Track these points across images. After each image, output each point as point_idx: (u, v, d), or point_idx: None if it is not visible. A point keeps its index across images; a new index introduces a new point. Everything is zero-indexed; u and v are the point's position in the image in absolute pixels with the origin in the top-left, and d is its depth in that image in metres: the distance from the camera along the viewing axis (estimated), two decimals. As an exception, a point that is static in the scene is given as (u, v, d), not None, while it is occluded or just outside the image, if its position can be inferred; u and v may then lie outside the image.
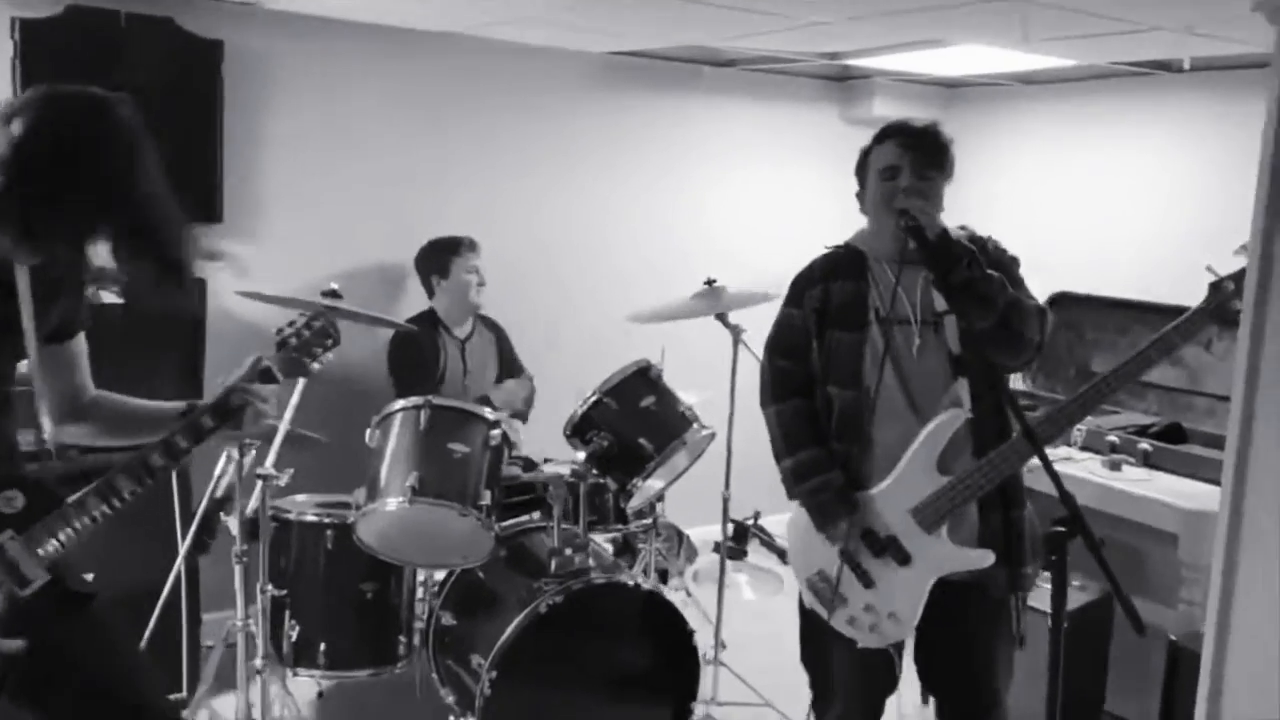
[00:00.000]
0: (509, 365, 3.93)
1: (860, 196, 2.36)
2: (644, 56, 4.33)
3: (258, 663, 2.54)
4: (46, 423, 1.78)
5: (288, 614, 2.99)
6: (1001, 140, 4.75)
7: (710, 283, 3.36)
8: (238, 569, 2.93)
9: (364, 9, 3.51)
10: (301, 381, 2.56)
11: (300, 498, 3.20)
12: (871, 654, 2.27)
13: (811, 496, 2.26)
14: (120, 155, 1.67)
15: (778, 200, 4.85)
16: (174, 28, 3.30)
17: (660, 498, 3.55)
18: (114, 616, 1.84)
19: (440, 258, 3.70)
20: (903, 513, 2.21)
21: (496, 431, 2.83)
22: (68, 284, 1.80)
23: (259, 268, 3.54)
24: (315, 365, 1.95)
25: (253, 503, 2.45)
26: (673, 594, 4.09)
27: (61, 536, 1.65)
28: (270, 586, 2.60)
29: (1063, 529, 1.71)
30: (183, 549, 2.90)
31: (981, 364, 2.20)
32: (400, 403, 2.85)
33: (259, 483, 2.45)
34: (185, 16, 3.33)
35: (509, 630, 2.68)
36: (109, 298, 3.05)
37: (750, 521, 5.01)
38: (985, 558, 2.18)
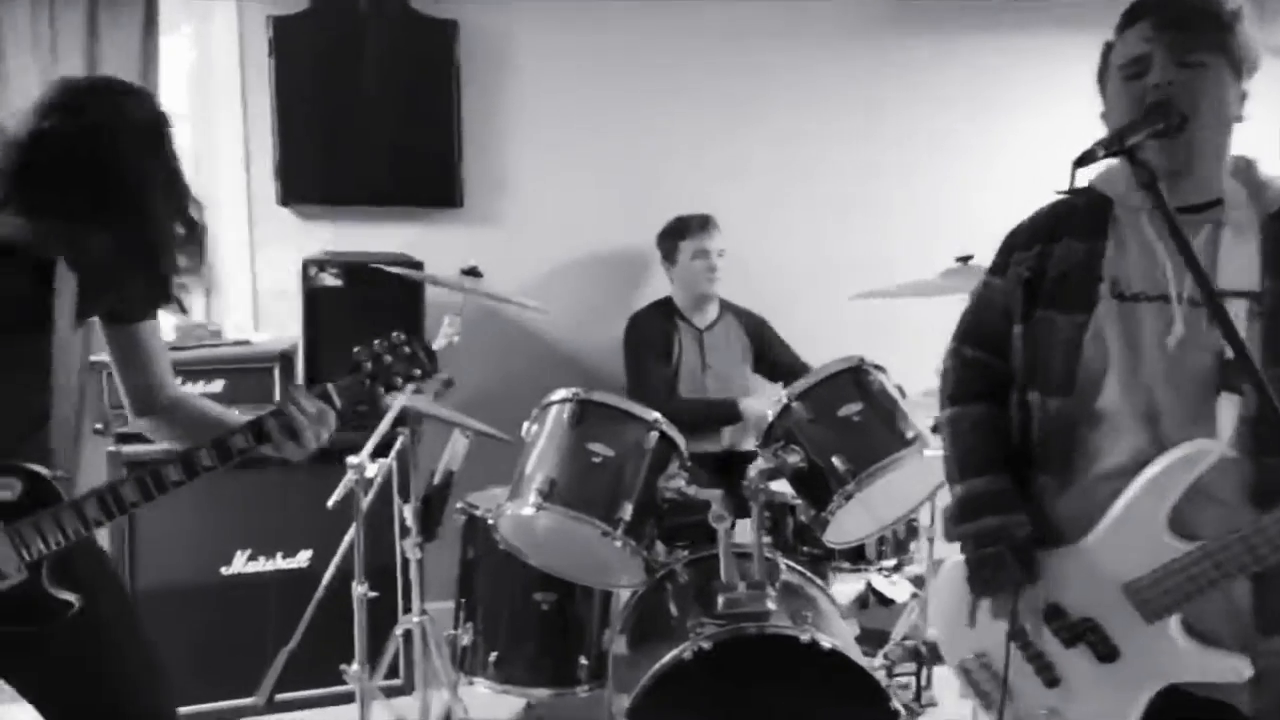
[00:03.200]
0: (771, 364, 3.43)
1: (1105, 117, 1.57)
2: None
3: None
4: (129, 413, 1.75)
5: (462, 615, 2.82)
6: None
7: (965, 259, 2.60)
8: (413, 566, 2.81)
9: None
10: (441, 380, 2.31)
11: (498, 490, 3.02)
12: None
13: (976, 545, 1.57)
14: (128, 146, 1.56)
15: (1063, 156, 3.77)
16: (409, 10, 3.29)
17: (913, 530, 2.87)
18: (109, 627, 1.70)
19: (669, 242, 3.35)
20: (1111, 586, 1.46)
21: (653, 434, 2.39)
22: (123, 268, 1.68)
23: (500, 253, 3.41)
24: (396, 396, 1.67)
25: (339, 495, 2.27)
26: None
27: (50, 538, 1.54)
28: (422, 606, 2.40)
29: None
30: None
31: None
32: (559, 393, 2.52)
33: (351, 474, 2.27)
34: (419, -1, 3.31)
35: (647, 676, 2.24)
36: (329, 280, 3.09)
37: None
38: (1238, 667, 1.39)
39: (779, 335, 3.48)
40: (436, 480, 2.89)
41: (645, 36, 3.57)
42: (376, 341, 1.70)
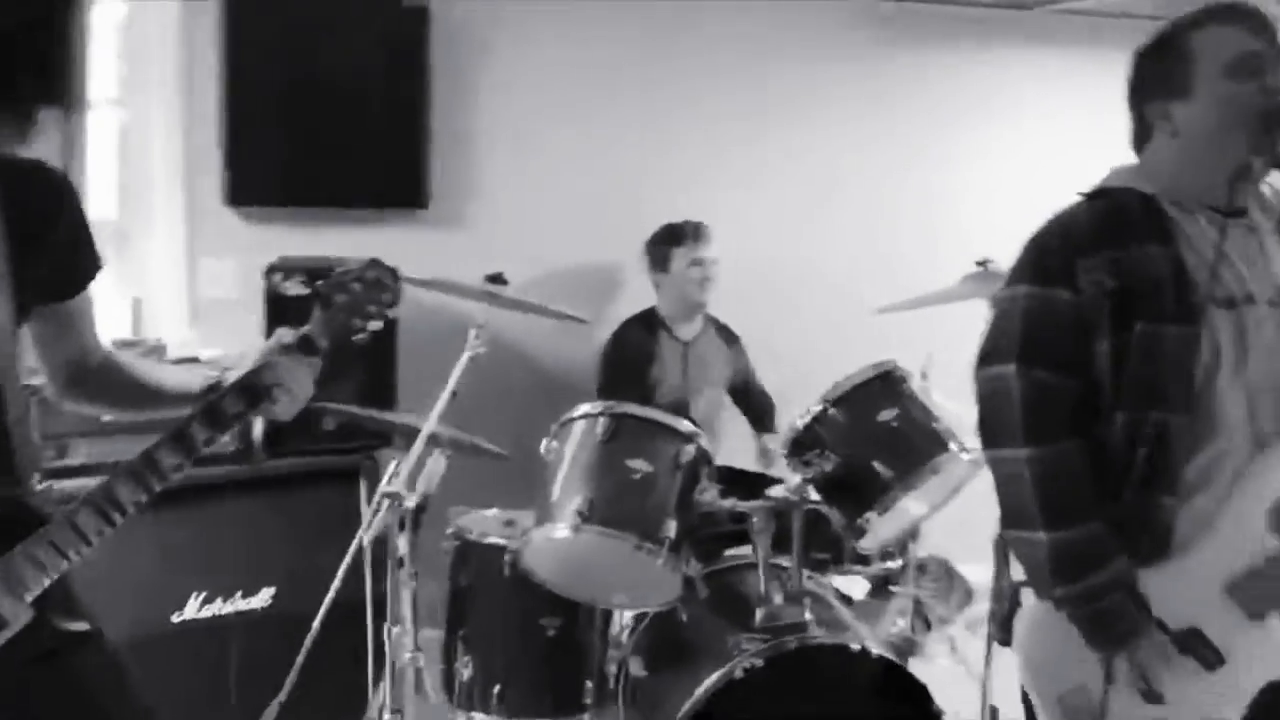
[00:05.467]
0: (741, 390, 3.39)
1: (1162, 112, 1.56)
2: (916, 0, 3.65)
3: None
4: (49, 390, 1.51)
5: (460, 648, 2.63)
6: None
7: (984, 263, 2.64)
8: (406, 593, 2.61)
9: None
10: (452, 382, 2.17)
11: (491, 513, 2.85)
12: None
13: (1088, 601, 1.49)
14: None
15: (1068, 166, 3.95)
16: (381, -6, 3.07)
17: (914, 533, 2.88)
18: (116, 663, 1.47)
19: (660, 249, 3.26)
20: (1215, 592, 1.47)
21: (690, 447, 2.30)
22: (53, 231, 1.44)
23: (467, 256, 3.22)
24: (370, 326, 1.54)
25: (371, 530, 2.08)
26: (935, 647, 3.38)
27: (49, 565, 1.30)
28: (411, 628, 2.22)
29: None
30: (342, 566, 2.58)
31: None
32: (583, 408, 2.40)
33: (385, 502, 2.08)
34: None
35: (694, 697, 2.15)
36: (294, 289, 2.85)
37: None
38: None
39: (748, 358, 3.46)
40: (413, 504, 2.70)
41: (631, 34, 3.48)
42: (338, 270, 1.57)
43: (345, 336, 1.55)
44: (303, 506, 2.88)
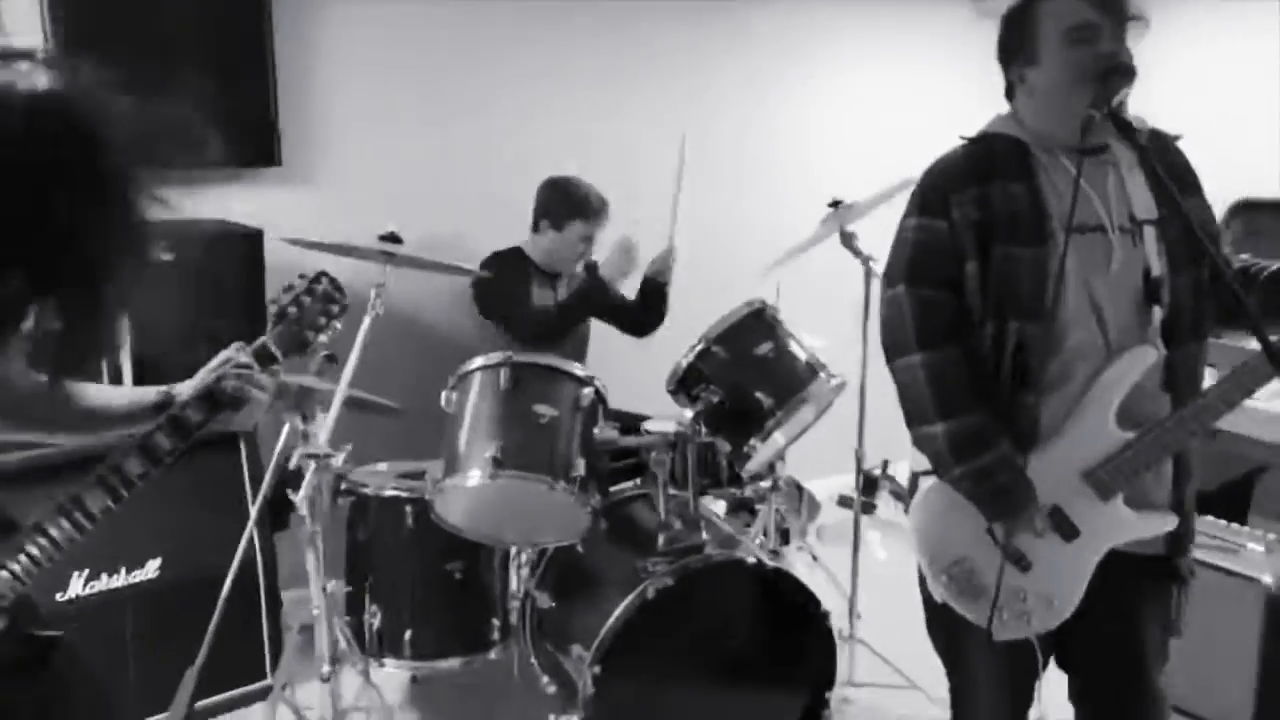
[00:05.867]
0: (611, 311, 3.51)
1: (1018, 74, 1.81)
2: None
3: (325, 668, 2.24)
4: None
5: (368, 599, 2.70)
6: (1170, 20, 4.07)
7: (836, 204, 2.87)
8: (309, 552, 2.65)
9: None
10: (359, 344, 2.21)
11: (381, 467, 2.90)
12: (1015, 642, 1.82)
13: (982, 480, 1.76)
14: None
15: (907, 105, 4.30)
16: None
17: (780, 455, 3.14)
18: (77, 663, 1.50)
19: (562, 209, 3.20)
20: (1073, 477, 1.76)
21: (589, 390, 2.44)
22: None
23: (320, 214, 3.18)
24: (321, 338, 1.64)
25: (305, 488, 2.13)
26: (796, 555, 3.71)
27: (19, 570, 1.32)
28: (331, 582, 2.29)
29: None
30: (248, 527, 2.62)
31: (1189, 289, 1.74)
32: (478, 360, 2.48)
33: (311, 464, 2.12)
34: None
35: (611, 619, 2.32)
36: (160, 254, 2.75)
37: (878, 472, 4.55)
38: (1167, 522, 1.78)
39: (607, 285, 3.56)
40: (291, 464, 2.72)
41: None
42: (288, 286, 1.68)
43: (300, 347, 1.63)
44: (181, 475, 2.82)
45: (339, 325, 1.70)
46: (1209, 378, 1.78)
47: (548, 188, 3.26)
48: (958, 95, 4.07)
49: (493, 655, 2.80)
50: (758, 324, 2.60)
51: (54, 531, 1.35)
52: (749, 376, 2.54)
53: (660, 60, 3.89)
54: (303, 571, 3.07)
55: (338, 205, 3.30)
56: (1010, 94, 1.85)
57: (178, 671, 2.49)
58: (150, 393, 1.57)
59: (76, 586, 2.64)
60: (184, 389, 1.54)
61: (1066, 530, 1.78)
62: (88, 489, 1.39)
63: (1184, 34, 4.04)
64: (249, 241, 2.94)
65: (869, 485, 4.43)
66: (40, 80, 1.23)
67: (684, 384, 2.59)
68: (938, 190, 1.79)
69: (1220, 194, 2.97)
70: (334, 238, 2.58)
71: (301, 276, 1.69)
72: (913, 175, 1.87)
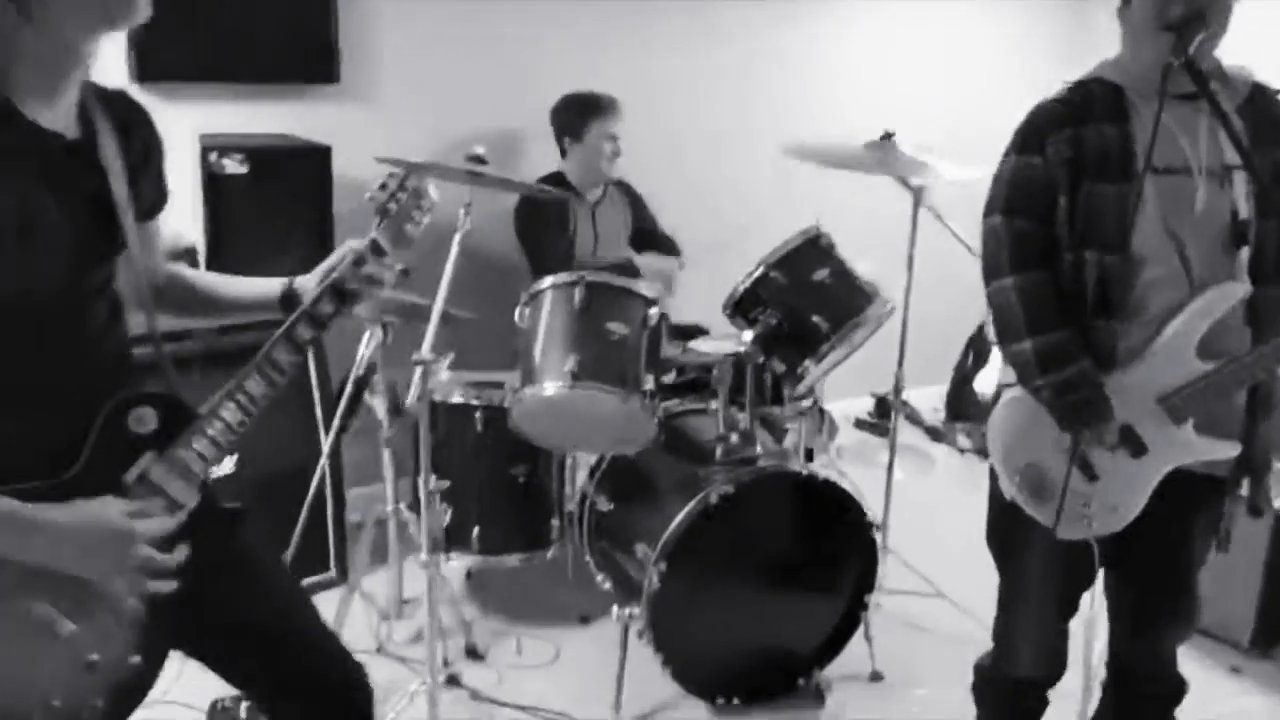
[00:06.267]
0: (647, 235, 3.64)
1: (1121, 15, 1.93)
2: None
3: (422, 556, 2.42)
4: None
5: (439, 497, 2.87)
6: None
7: (888, 135, 2.97)
8: (386, 453, 2.82)
9: None
10: (452, 258, 2.33)
11: (445, 376, 3.04)
12: (1074, 544, 1.99)
13: (1063, 393, 1.91)
14: None
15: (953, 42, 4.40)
16: None
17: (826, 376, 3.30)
18: (262, 538, 1.66)
19: (576, 118, 3.38)
20: (1148, 399, 1.92)
21: (655, 310, 2.58)
22: (153, 155, 1.55)
23: (377, 131, 3.27)
24: (416, 232, 1.69)
25: (413, 391, 2.26)
26: (824, 471, 3.89)
27: (207, 455, 1.46)
28: (434, 478, 2.44)
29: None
30: (332, 430, 2.78)
31: (1275, 233, 1.86)
32: (551, 279, 2.61)
33: (417, 369, 2.26)
34: None
35: (677, 520, 2.50)
36: (233, 167, 2.85)
37: (892, 396, 4.73)
38: (1231, 449, 1.92)
39: (649, 209, 3.69)
40: (361, 372, 2.87)
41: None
42: (382, 184, 1.69)
43: (406, 242, 1.68)
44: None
45: (428, 221, 1.74)
46: None
47: (555, 109, 3.42)
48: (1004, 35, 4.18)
49: (550, 554, 3.00)
50: (814, 250, 2.73)
51: (226, 415, 1.47)
52: (806, 301, 2.68)
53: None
54: (366, 470, 3.27)
55: (394, 123, 3.38)
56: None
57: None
58: (275, 284, 1.66)
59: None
60: (305, 281, 1.63)
61: (1136, 447, 1.93)
62: (248, 376, 1.50)
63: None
64: (318, 156, 3.02)
65: (883, 409, 4.61)
66: None
67: (739, 307, 2.74)
68: (1035, 131, 1.93)
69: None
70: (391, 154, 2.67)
71: (391, 175, 1.71)
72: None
